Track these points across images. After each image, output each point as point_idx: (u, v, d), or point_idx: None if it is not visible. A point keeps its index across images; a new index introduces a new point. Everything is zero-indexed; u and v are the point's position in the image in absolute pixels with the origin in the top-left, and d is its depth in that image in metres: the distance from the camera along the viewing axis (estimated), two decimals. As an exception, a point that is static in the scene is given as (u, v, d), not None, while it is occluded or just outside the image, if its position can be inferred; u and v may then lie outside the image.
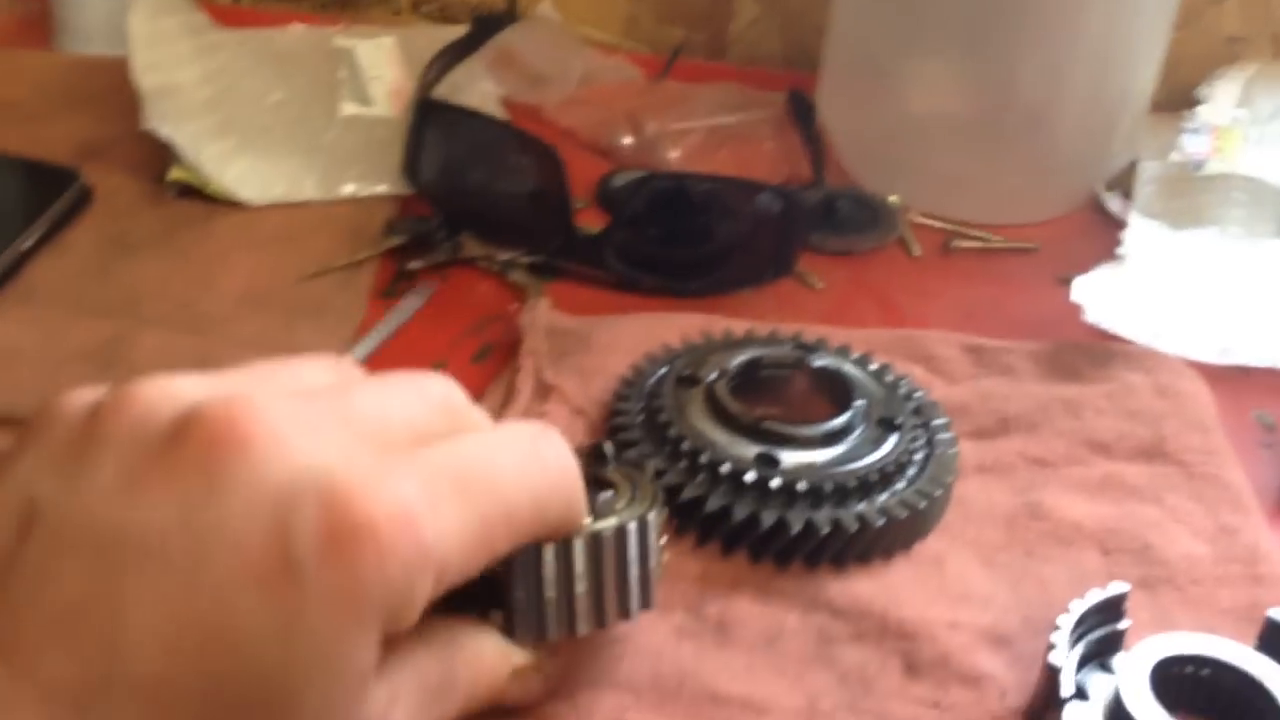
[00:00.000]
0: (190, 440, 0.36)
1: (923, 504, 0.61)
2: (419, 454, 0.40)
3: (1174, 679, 0.53)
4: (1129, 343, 0.76)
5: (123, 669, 0.35)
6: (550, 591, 0.46)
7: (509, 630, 0.47)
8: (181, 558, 0.35)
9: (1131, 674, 0.52)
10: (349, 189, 0.87)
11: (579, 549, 0.46)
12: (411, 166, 0.85)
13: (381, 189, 0.87)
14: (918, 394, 0.68)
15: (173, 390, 0.38)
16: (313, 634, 0.36)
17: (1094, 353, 0.75)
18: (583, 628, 0.48)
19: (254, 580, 0.35)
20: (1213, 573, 0.61)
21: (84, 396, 0.40)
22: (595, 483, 0.51)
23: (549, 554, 0.45)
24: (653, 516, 0.50)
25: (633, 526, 0.48)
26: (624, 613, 0.49)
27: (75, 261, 0.78)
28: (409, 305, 0.77)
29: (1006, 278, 0.87)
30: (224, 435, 0.36)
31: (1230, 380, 0.77)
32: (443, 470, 0.40)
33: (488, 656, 0.46)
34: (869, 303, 0.83)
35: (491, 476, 0.41)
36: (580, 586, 0.47)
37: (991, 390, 0.72)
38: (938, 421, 0.66)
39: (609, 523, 0.48)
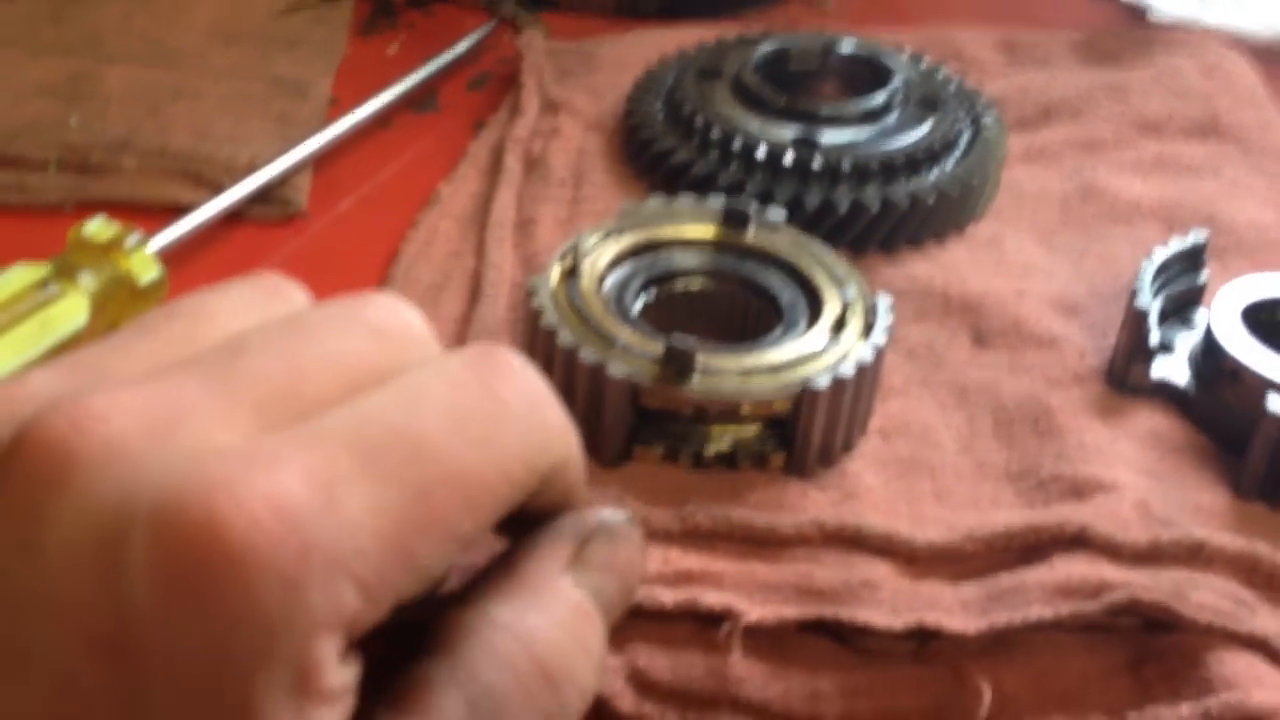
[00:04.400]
0: (7, 480, 0.26)
1: (975, 181, 0.57)
2: (316, 424, 0.27)
3: (1264, 325, 0.49)
4: (1170, 28, 0.71)
5: None
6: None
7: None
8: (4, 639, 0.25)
9: (1223, 316, 0.48)
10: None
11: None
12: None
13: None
14: (955, 79, 0.63)
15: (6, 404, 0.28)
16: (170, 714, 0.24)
17: (1134, 39, 0.70)
18: None
19: (85, 650, 0.25)
20: (1284, 237, 0.57)
21: None
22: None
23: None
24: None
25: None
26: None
27: (23, 7, 0.71)
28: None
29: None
30: (44, 463, 0.26)
31: (1278, 61, 0.72)
32: (347, 440, 0.27)
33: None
34: (884, 18, 0.78)
35: (419, 437, 0.27)
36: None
37: (1029, 82, 0.67)
38: (981, 104, 0.61)
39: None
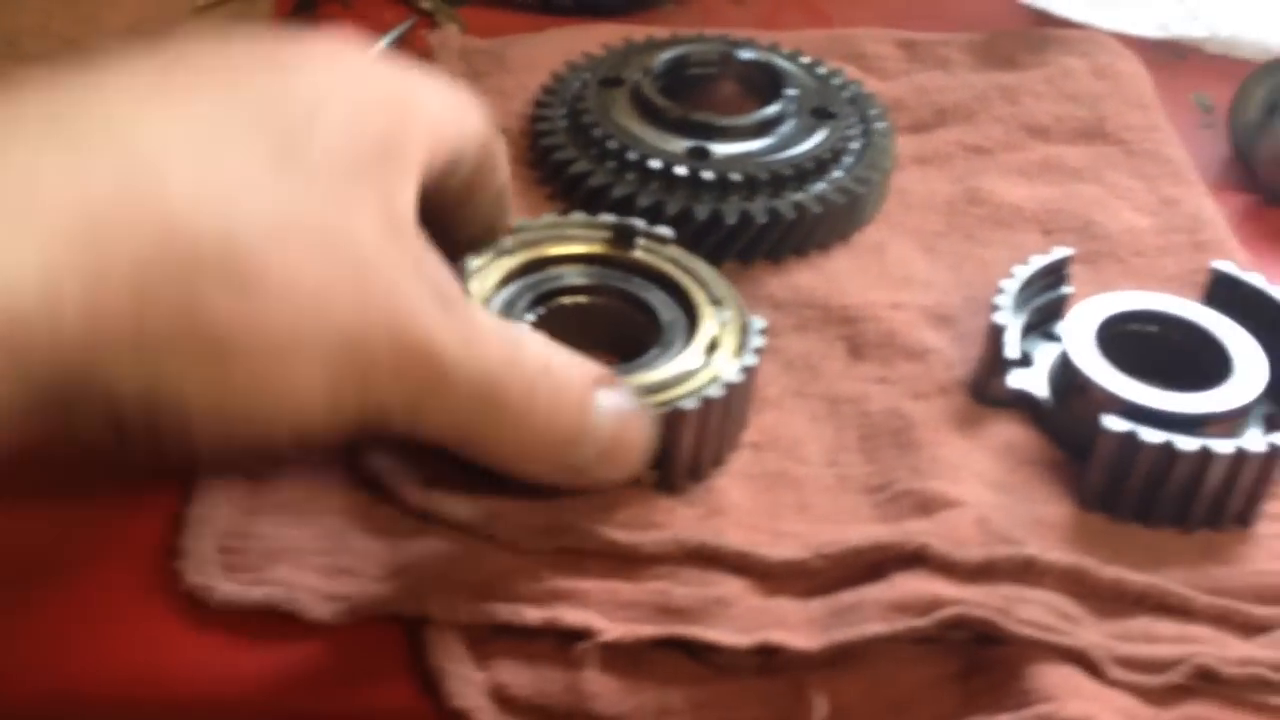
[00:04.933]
0: None
1: (861, 190, 0.59)
2: None
3: (1120, 338, 0.52)
4: (1066, 27, 0.73)
5: None
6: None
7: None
8: None
9: (1076, 331, 0.51)
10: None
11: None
12: (305, -109, 0.79)
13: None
14: (851, 86, 0.65)
15: None
16: None
17: (1030, 39, 0.72)
18: None
19: None
20: (1155, 243, 0.60)
21: None
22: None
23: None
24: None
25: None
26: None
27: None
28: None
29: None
30: None
31: (1169, 65, 0.75)
32: None
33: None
34: (796, 13, 0.80)
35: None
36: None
37: (927, 83, 0.69)
38: (873, 111, 0.64)
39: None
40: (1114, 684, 0.42)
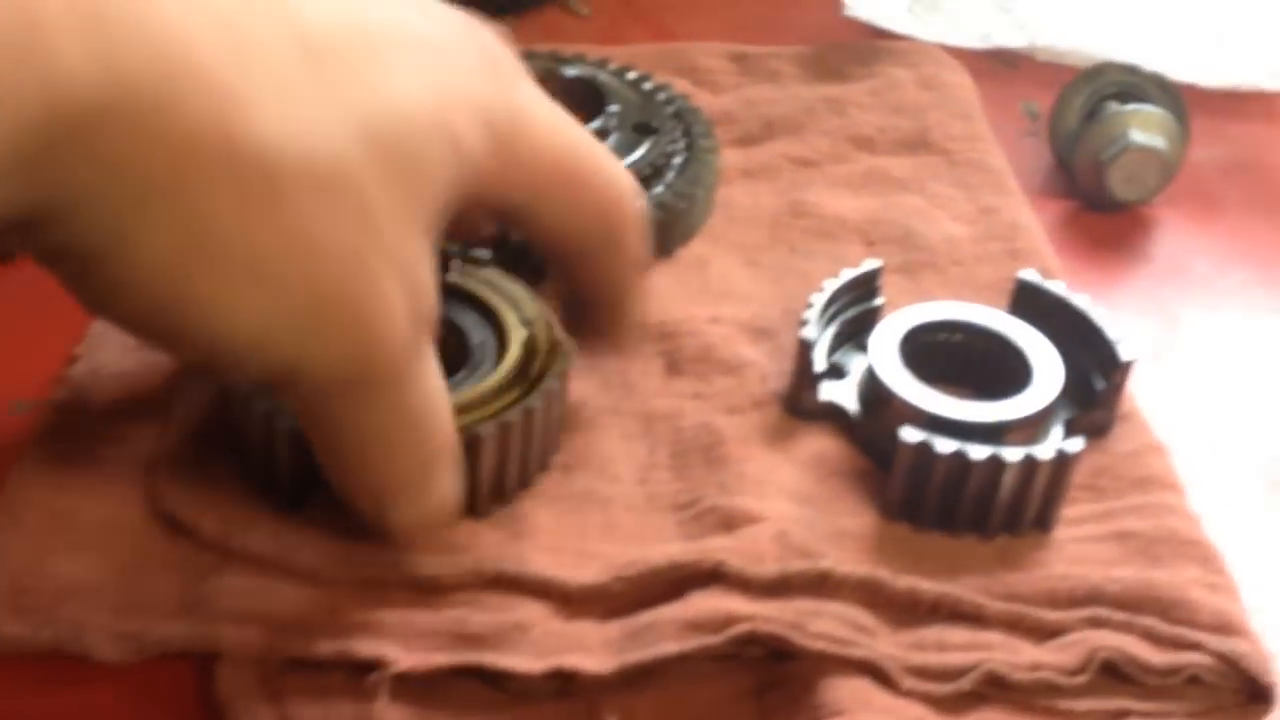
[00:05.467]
0: None
1: (682, 205, 0.60)
2: None
3: (926, 348, 0.52)
4: (894, 39, 0.75)
5: None
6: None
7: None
8: None
9: (881, 343, 0.51)
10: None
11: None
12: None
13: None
14: (677, 100, 0.66)
15: None
16: None
17: (859, 51, 0.73)
18: None
19: None
20: (973, 252, 0.61)
21: None
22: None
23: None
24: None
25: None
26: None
27: None
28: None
29: (781, -9, 0.84)
30: None
31: (1000, 75, 0.76)
32: None
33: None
34: (639, 27, 0.80)
35: None
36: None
37: (757, 96, 0.70)
38: (698, 126, 0.64)
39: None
40: (906, 694, 0.42)
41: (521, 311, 0.51)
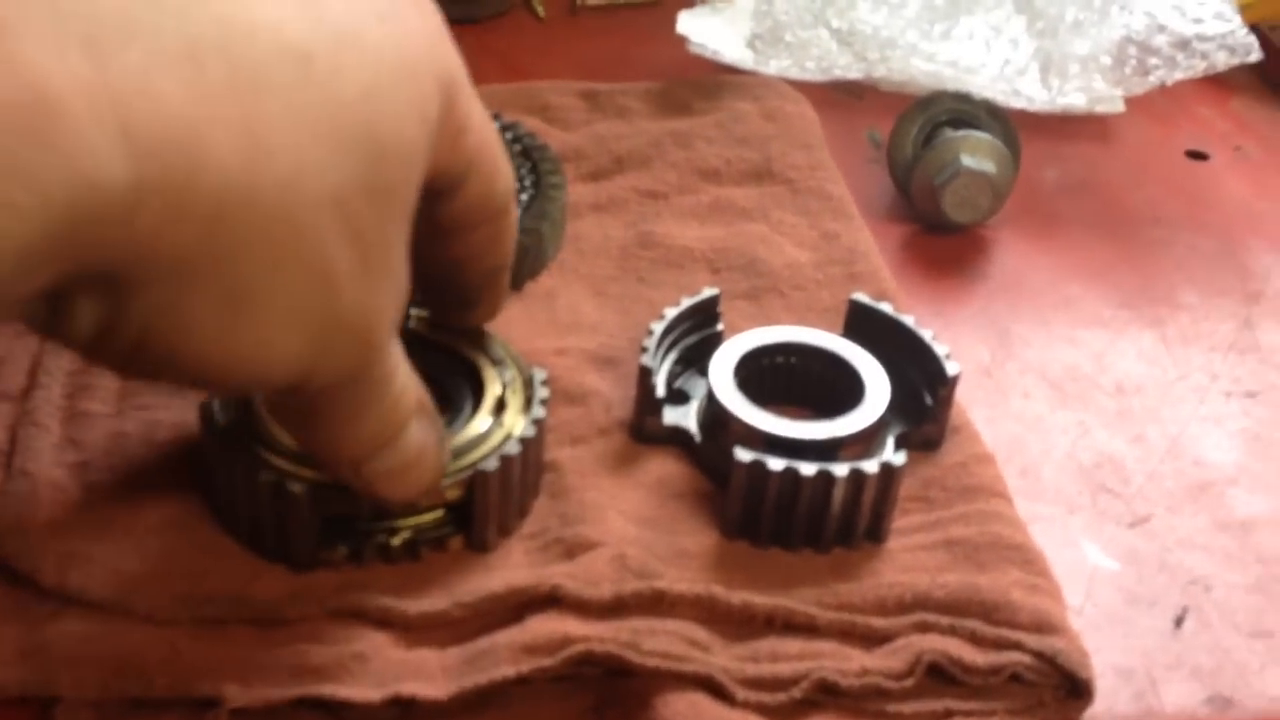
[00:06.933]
0: None
1: (527, 241, 0.61)
2: None
3: (763, 370, 0.54)
4: (739, 74, 0.77)
5: None
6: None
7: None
8: None
9: (719, 368, 0.53)
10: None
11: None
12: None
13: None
14: (525, 139, 0.67)
15: None
16: None
17: (705, 86, 0.75)
18: None
19: None
20: (814, 276, 0.63)
21: None
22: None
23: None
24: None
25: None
26: None
27: None
28: None
29: (631, 31, 0.86)
30: None
31: (845, 104, 0.79)
32: None
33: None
34: (494, 68, 0.82)
35: None
36: None
37: (606, 132, 0.71)
38: (546, 163, 0.65)
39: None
40: (741, 705, 0.44)
41: (491, 352, 0.52)
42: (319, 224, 0.36)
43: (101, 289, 0.34)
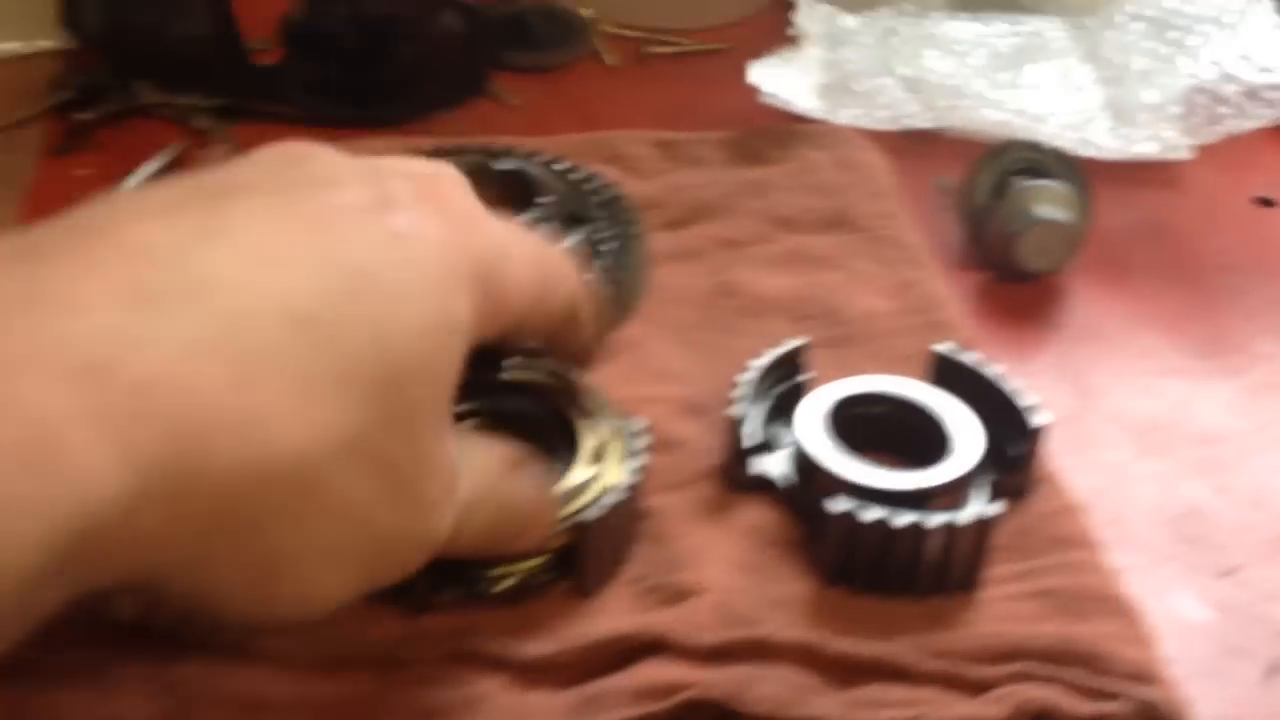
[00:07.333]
0: None
1: (613, 290, 0.62)
2: None
3: (853, 420, 0.55)
4: (811, 123, 0.78)
5: None
6: None
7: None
8: None
9: (807, 417, 0.54)
10: (5, 48, 0.82)
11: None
12: (72, 16, 0.80)
13: (43, 44, 0.82)
14: (606, 189, 0.68)
15: None
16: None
17: (778, 135, 0.77)
18: None
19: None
20: (893, 325, 0.64)
21: None
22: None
23: None
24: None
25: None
26: None
27: None
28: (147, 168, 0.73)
29: (700, 79, 0.88)
30: None
31: (914, 153, 0.80)
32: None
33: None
34: (567, 116, 0.83)
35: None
36: None
37: (682, 181, 0.73)
38: (626, 213, 0.67)
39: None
40: (847, 750, 0.44)
41: (583, 401, 0.53)
42: (338, 473, 0.37)
43: (130, 586, 0.35)
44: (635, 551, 0.51)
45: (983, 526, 0.49)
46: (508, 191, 0.67)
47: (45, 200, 0.71)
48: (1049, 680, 0.46)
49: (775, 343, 0.58)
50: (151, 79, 0.79)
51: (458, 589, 0.48)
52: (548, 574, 0.49)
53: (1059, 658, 0.47)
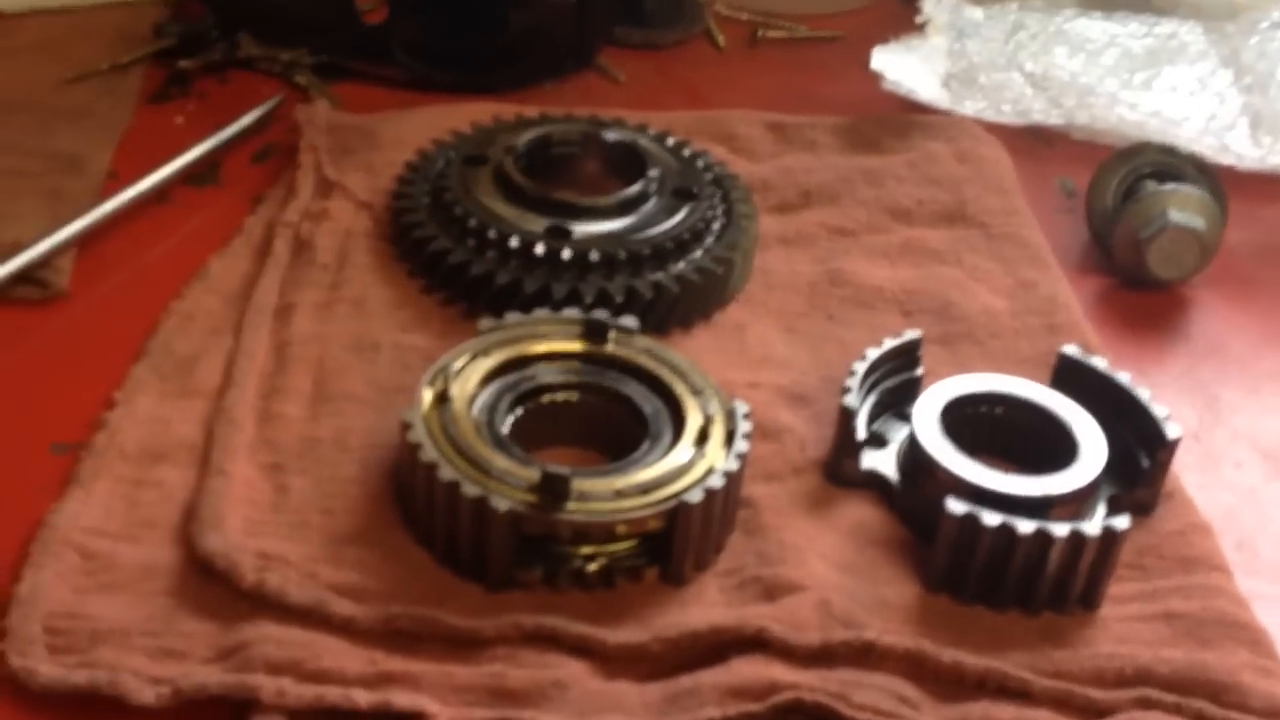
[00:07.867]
0: None
1: (720, 270, 0.60)
2: None
3: (968, 419, 0.52)
4: (930, 113, 0.75)
5: None
6: None
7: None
8: None
9: (924, 414, 0.51)
10: (113, -9, 0.81)
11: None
12: (180, -36, 0.79)
13: (150, -10, 0.81)
14: (716, 167, 0.66)
15: None
16: None
17: (895, 124, 0.74)
18: None
19: None
20: (1011, 325, 0.61)
21: None
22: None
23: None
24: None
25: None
26: None
27: None
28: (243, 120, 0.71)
29: (813, 66, 0.85)
30: None
31: (1036, 152, 0.76)
32: None
33: None
34: (674, 95, 0.81)
35: None
36: None
37: (793, 165, 0.70)
38: (736, 192, 0.64)
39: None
40: (952, 768, 0.41)
41: (689, 379, 0.51)
42: None
43: None
44: (730, 541, 0.49)
45: (1110, 539, 0.45)
46: (615, 162, 0.65)
47: (140, 144, 0.70)
48: (1174, 710, 0.43)
49: (883, 335, 0.55)
50: (255, 31, 0.77)
51: (542, 567, 0.45)
52: (638, 558, 0.46)
53: (1185, 686, 0.44)
